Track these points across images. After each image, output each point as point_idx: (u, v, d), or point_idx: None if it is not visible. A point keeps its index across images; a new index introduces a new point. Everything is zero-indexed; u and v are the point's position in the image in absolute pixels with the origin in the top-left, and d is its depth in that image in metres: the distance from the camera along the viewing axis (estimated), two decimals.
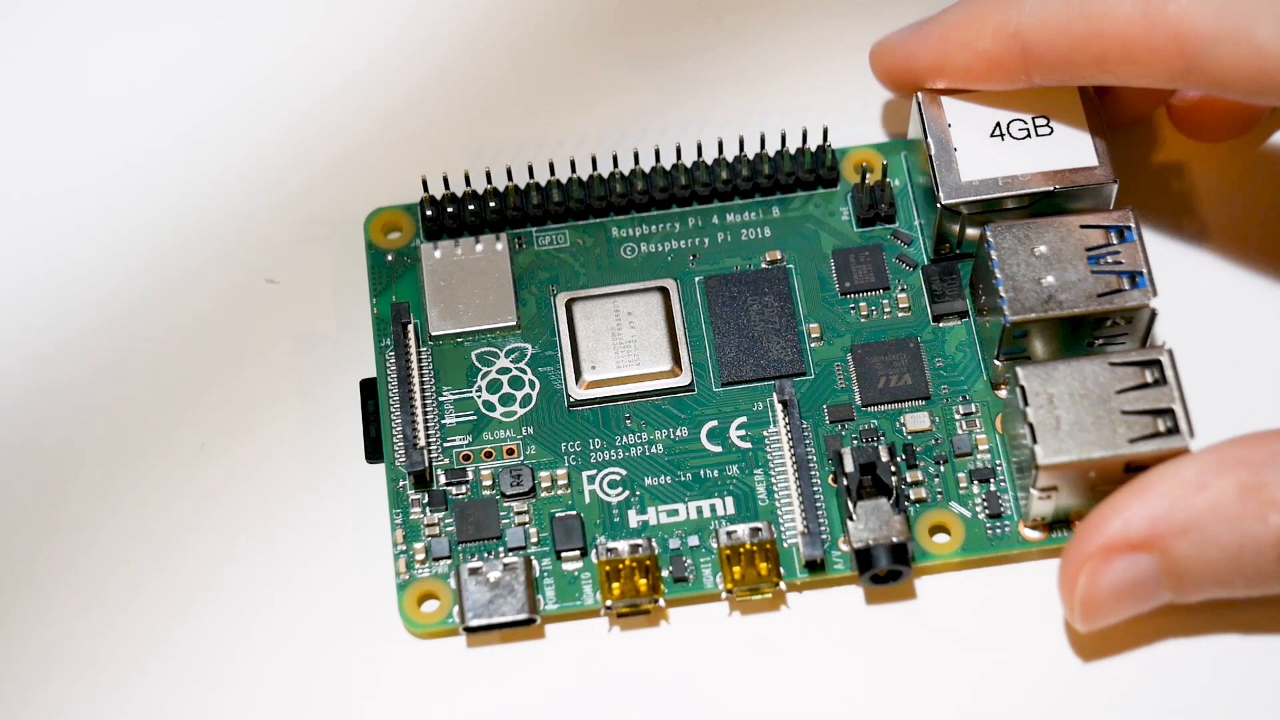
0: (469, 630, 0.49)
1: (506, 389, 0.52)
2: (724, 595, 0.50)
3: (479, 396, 0.52)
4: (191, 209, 0.55)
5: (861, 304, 0.53)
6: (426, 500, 0.51)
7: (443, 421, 0.52)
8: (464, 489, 0.51)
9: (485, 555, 0.50)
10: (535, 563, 0.50)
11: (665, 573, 0.50)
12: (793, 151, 0.54)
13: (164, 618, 0.50)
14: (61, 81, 0.57)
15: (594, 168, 0.54)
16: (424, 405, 0.52)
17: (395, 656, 0.50)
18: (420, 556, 0.50)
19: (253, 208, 0.55)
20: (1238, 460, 0.46)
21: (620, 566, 0.50)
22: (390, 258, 0.54)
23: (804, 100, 0.56)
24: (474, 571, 0.50)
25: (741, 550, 0.50)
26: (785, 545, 0.50)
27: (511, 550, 0.50)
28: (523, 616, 0.49)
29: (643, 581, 0.49)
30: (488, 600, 0.49)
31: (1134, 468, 0.48)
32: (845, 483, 0.50)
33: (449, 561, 0.50)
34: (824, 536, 0.50)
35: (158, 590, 0.51)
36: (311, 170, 0.55)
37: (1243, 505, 0.46)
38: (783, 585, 0.50)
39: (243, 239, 0.55)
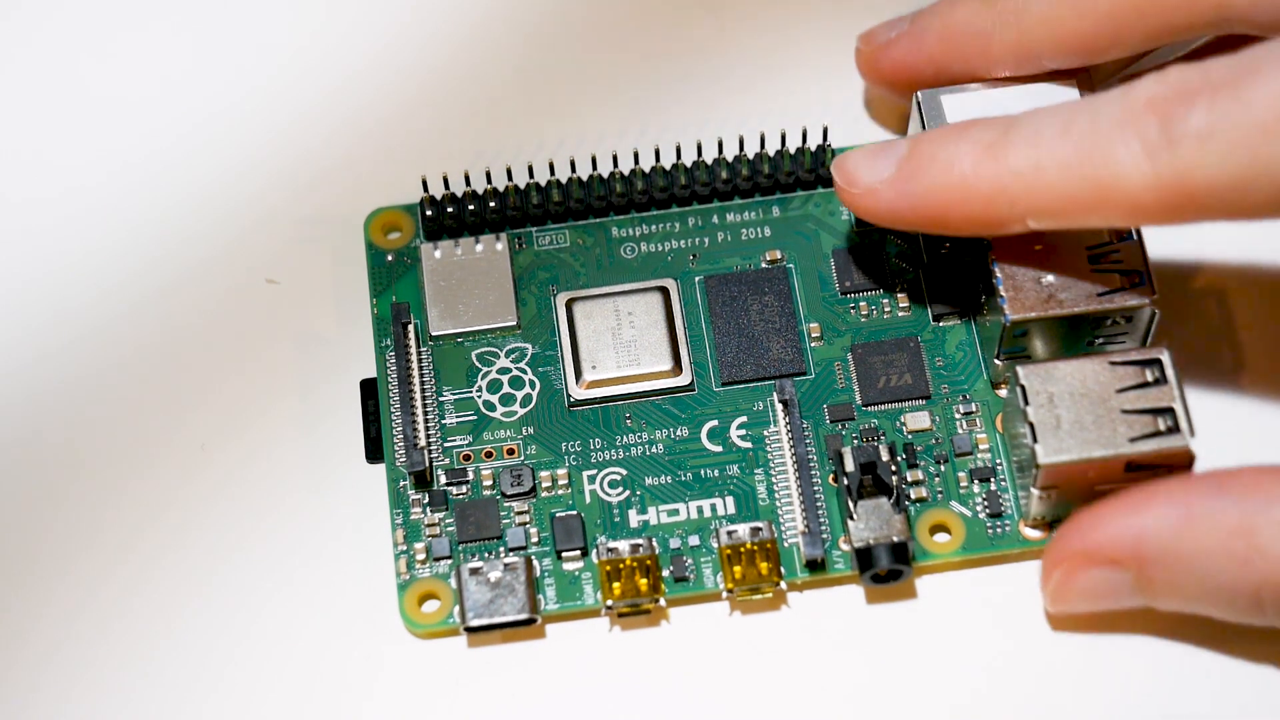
0: (469, 630, 0.49)
1: (507, 389, 0.52)
2: (724, 595, 0.50)
3: (479, 396, 0.52)
4: (191, 209, 0.55)
5: (861, 304, 0.53)
6: (427, 500, 0.51)
7: (443, 421, 0.52)
8: (464, 489, 0.51)
9: (486, 555, 0.50)
10: (536, 562, 0.50)
11: (666, 572, 0.50)
12: (793, 151, 0.54)
13: (164, 617, 0.50)
14: (61, 82, 0.57)
15: (594, 168, 0.54)
16: (424, 405, 0.52)
17: (395, 656, 0.50)
18: (421, 556, 0.50)
19: (253, 208, 0.55)
20: (1233, 497, 0.46)
21: (621, 566, 0.50)
22: (390, 258, 0.54)
23: (804, 100, 0.56)
24: (474, 571, 0.50)
25: (742, 550, 0.50)
26: (786, 545, 0.50)
27: (512, 550, 0.50)
28: (523, 616, 0.49)
29: (643, 581, 0.49)
30: (488, 600, 0.49)
31: (1135, 467, 0.48)
32: (845, 482, 0.50)
33: (449, 561, 0.50)
34: (824, 536, 0.50)
35: (157, 590, 0.51)
36: (311, 170, 0.55)
37: (1228, 546, 0.45)
38: (783, 585, 0.50)
39: (243, 239, 0.54)
